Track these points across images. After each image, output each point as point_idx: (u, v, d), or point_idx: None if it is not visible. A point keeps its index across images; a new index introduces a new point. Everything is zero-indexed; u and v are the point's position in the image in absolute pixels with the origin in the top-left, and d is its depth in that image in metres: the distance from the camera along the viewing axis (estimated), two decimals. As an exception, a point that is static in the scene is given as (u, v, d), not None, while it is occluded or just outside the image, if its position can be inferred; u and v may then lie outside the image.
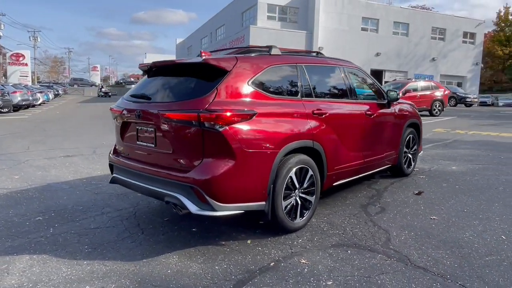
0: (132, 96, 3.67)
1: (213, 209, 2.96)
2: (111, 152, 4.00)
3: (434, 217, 3.96)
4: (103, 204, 4.45)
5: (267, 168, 3.20)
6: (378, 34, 33.32)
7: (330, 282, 2.66)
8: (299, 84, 3.74)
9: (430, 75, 34.19)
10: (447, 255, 3.07)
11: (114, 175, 3.82)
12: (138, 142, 3.51)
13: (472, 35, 38.00)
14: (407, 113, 5.51)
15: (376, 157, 4.79)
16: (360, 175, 4.63)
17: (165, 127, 3.17)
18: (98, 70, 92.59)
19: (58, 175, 5.95)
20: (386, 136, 4.97)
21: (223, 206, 2.99)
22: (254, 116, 3.12)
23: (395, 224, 3.77)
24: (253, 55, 3.71)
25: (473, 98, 29.62)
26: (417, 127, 5.82)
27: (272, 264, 2.96)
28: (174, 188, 3.09)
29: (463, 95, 29.06)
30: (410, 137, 5.61)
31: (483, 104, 34.21)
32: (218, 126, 2.92)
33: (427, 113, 17.51)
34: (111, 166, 3.94)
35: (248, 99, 3.19)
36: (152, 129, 3.31)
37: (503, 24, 61.71)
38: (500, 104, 36.78)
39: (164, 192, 3.15)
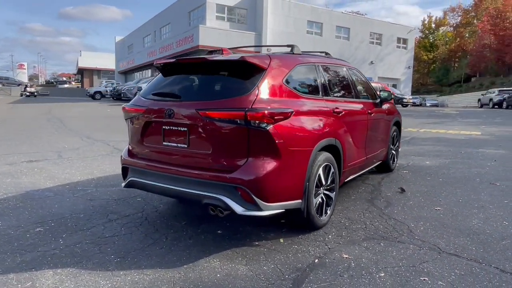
0: (156, 94, 3.45)
1: (260, 209, 2.91)
2: (125, 154, 3.72)
3: (438, 208, 4.26)
4: (105, 211, 4.14)
5: (304, 165, 3.22)
6: (322, 37, 34.69)
7: (382, 274, 2.76)
8: (319, 83, 3.81)
9: (369, 77, 36.32)
10: (469, 242, 3.33)
11: (131, 178, 3.56)
12: (164, 143, 3.31)
13: (405, 41, 41.12)
14: (393, 111, 5.85)
15: (374, 154, 5.03)
16: (362, 171, 4.83)
17: (203, 126, 3.04)
18: (25, 68, 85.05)
19: (33, 182, 5.40)
20: (380, 133, 5.24)
21: (268, 206, 2.95)
22: (292, 115, 3.12)
23: (408, 216, 3.99)
24: (277, 53, 3.71)
25: (409, 99, 32.04)
26: (399, 125, 6.20)
27: (316, 261, 2.98)
28: (214, 189, 2.98)
29: (400, 96, 31.31)
30: (394, 134, 5.96)
31: (413, 104, 37.15)
32: (264, 125, 2.88)
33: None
34: (125, 169, 3.68)
35: (284, 98, 3.19)
36: (185, 129, 3.16)
37: (427, 32, 67.67)
38: (428, 104, 40.27)
39: (202, 194, 3.02)
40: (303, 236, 3.47)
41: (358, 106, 4.52)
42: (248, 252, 3.14)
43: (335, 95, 4.08)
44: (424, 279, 2.68)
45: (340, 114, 3.89)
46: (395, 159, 6.18)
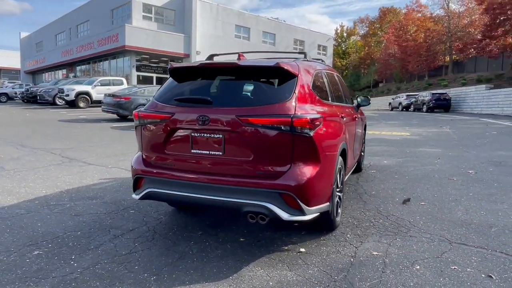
0: (182, 100, 3.26)
1: (304, 214, 2.95)
2: (138, 164, 3.44)
3: (422, 203, 4.70)
4: (102, 226, 3.78)
5: (332, 169, 3.34)
6: (250, 42, 35.36)
7: (418, 267, 2.98)
8: (327, 89, 3.97)
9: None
10: (467, 232, 3.74)
11: (149, 189, 3.29)
12: (193, 151, 3.15)
13: (325, 48, 43.88)
14: (363, 115, 6.28)
15: (357, 155, 5.36)
16: (350, 173, 5.11)
17: (244, 133, 2.96)
18: None
19: (-11, 198, 4.68)
20: (359, 136, 5.59)
21: (310, 210, 3.00)
22: (323, 120, 3.22)
23: (402, 212, 4.33)
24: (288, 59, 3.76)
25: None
26: (365, 128, 6.66)
27: (352, 260, 3.11)
28: (257, 196, 2.93)
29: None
30: (364, 136, 6.41)
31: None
32: (307, 130, 2.93)
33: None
34: (138, 180, 3.40)
35: (313, 104, 3.26)
36: (220, 136, 3.04)
37: (339, 40, 73.03)
38: (347, 107, 43.21)
39: (244, 202, 2.95)
40: (324, 237, 3.57)
41: (349, 111, 4.78)
42: (284, 258, 3.14)
43: (337, 100, 4.28)
44: (454, 268, 2.97)
45: (344, 119, 4.09)
46: (363, 160, 6.64)
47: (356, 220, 4.04)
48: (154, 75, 30.15)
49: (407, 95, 34.36)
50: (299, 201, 2.89)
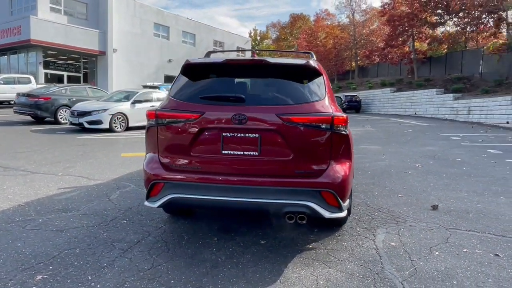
0: (210, 98, 3.04)
1: (341, 210, 2.98)
2: (154, 168, 3.09)
3: (400, 195, 5.09)
4: (101, 241, 3.35)
5: (352, 165, 3.44)
6: (169, 41, 34.27)
7: (437, 253, 3.23)
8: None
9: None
10: (453, 218, 4.15)
11: (171, 195, 2.99)
12: (224, 152, 2.96)
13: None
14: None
15: None
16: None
17: (284, 132, 2.89)
18: None
19: None
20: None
21: (344, 206, 3.04)
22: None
23: (388, 204, 4.64)
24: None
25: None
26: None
27: (377, 252, 3.25)
28: (297, 196, 2.89)
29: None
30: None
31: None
32: (344, 128, 2.98)
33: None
34: (155, 186, 3.07)
35: (334, 102, 3.32)
36: (256, 135, 2.92)
37: (253, 43, 74.99)
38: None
39: (284, 202, 2.87)
40: (337, 233, 3.65)
41: None
42: (316, 256, 3.14)
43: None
44: (466, 250, 3.29)
45: None
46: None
47: (354, 215, 4.21)
48: (65, 73, 27.41)
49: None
50: (338, 198, 2.93)
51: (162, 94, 13.70)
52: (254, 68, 3.23)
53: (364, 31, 43.63)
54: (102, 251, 3.14)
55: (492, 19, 24.88)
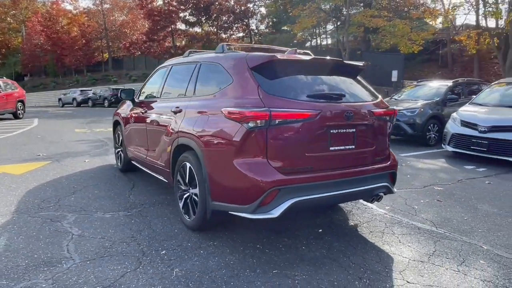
0: (315, 96, 3.07)
1: (394, 185, 3.56)
2: (268, 175, 2.76)
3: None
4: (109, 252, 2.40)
5: None
6: None
7: (442, 231, 4.16)
8: None
9: None
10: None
11: (292, 200, 2.79)
12: (331, 148, 3.03)
13: None
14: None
15: None
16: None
17: (371, 125, 3.25)
18: None
19: None
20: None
21: None
22: None
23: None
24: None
25: None
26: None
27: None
28: (379, 179, 3.31)
29: None
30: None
31: None
32: (394, 119, 3.54)
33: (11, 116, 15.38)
34: (267, 194, 2.74)
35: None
36: (353, 130, 3.13)
37: None
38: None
39: (373, 187, 3.26)
40: (348, 226, 3.99)
41: None
42: (339, 255, 3.04)
43: None
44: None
45: None
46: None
47: (354, 208, 4.38)
48: None
49: (81, 90, 33.15)
50: (395, 177, 3.53)
51: None
52: (331, 67, 3.35)
53: (116, 22, 41.95)
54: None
55: (241, 25, 29.63)
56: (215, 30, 32.76)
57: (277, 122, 2.78)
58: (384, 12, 21.26)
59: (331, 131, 3.01)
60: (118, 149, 5.78)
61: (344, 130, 3.08)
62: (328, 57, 3.37)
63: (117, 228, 3.45)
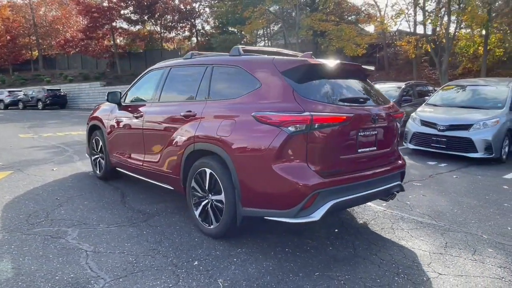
0: (346, 100, 3.20)
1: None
2: (308, 179, 2.79)
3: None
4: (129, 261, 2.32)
5: None
6: None
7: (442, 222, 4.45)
8: None
9: None
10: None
11: (331, 202, 2.87)
12: (359, 150, 3.15)
13: None
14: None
15: None
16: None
17: (389, 127, 3.42)
18: None
19: None
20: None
21: None
22: None
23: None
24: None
25: None
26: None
27: (406, 231, 4.08)
28: (394, 178, 3.51)
29: None
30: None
31: None
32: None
33: None
34: (308, 197, 2.77)
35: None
36: (375, 132, 3.27)
37: None
38: None
39: (390, 185, 3.43)
40: (372, 221, 4.15)
41: None
42: (377, 249, 3.23)
43: None
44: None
45: None
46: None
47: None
48: None
49: (9, 91, 30.16)
50: (404, 176, 3.77)
51: None
52: (353, 71, 3.50)
53: (46, 16, 38.76)
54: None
55: (186, 25, 29.02)
56: (159, 29, 31.76)
57: (316, 126, 2.81)
58: (331, 16, 22.26)
59: (359, 133, 3.12)
60: (96, 156, 5.39)
61: (369, 133, 3.22)
62: (349, 62, 3.52)
63: (131, 241, 3.24)
